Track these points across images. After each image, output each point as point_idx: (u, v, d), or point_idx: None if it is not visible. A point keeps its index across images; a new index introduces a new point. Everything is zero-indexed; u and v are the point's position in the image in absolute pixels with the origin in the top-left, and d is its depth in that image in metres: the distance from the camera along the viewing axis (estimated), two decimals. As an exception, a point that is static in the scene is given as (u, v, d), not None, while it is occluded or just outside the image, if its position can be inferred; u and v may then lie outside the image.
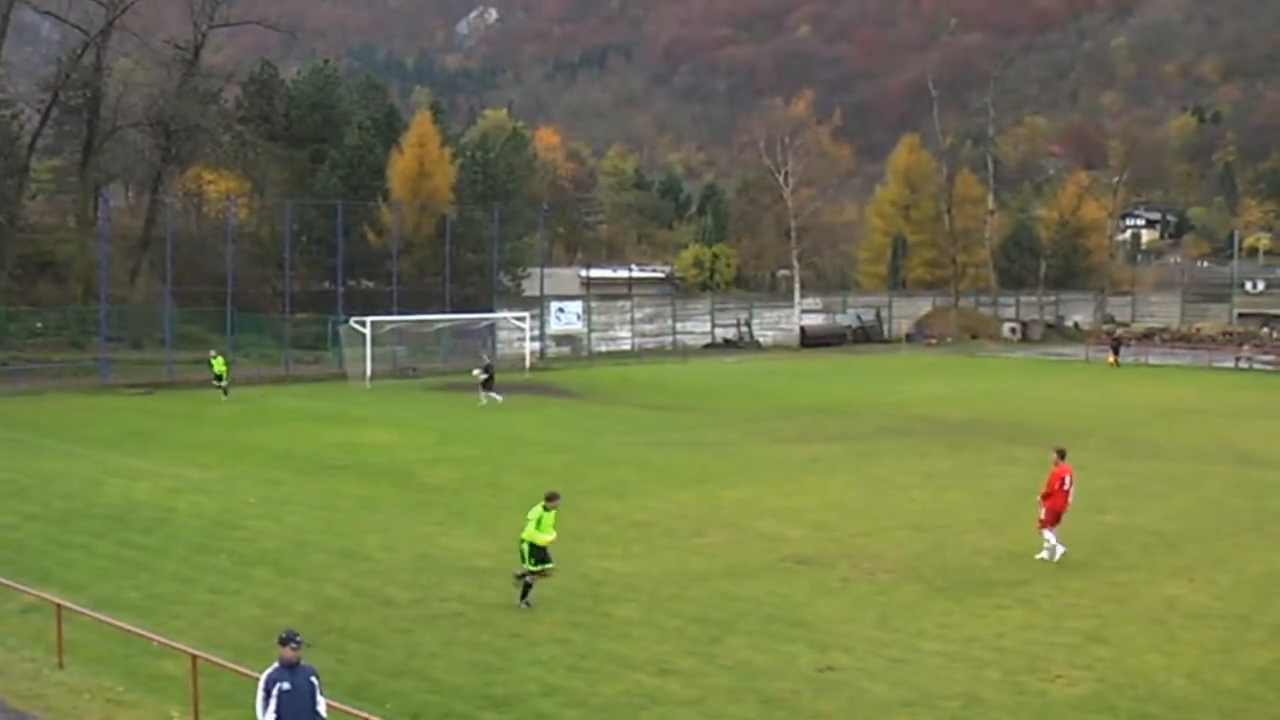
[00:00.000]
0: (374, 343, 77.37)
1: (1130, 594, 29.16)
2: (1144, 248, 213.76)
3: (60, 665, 23.47)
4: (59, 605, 24.01)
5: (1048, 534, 32.08)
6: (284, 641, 16.77)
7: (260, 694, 16.54)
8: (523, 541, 27.27)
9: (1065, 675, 23.53)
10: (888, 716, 21.41)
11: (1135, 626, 26.69)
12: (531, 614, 27.03)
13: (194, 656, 20.76)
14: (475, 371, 69.02)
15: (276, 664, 16.72)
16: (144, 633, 23.49)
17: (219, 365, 69.02)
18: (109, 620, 24.17)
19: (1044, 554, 32.01)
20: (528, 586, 27.38)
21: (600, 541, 33.97)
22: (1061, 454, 33.11)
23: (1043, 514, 32.39)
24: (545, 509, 27.12)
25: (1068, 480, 32.42)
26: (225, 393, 68.08)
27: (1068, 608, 27.99)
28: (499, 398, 66.24)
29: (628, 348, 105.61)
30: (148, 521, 36.25)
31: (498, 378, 68.04)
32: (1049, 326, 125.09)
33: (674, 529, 35.69)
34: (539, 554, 27.25)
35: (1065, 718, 21.58)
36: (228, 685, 21.46)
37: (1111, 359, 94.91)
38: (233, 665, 21.18)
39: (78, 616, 24.29)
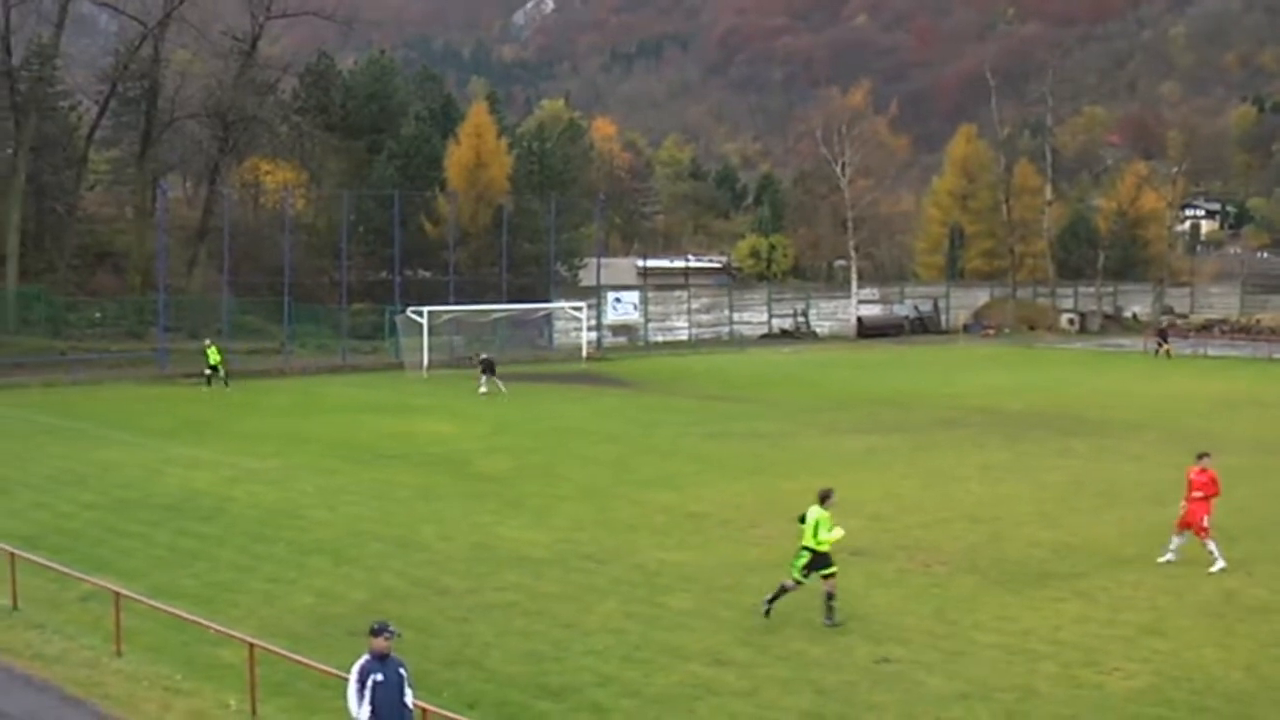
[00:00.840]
0: (430, 332, 77.49)
1: (1187, 587, 28.88)
2: (1203, 239, 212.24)
3: (118, 653, 23.56)
4: (117, 593, 24.12)
5: (1209, 544, 30.67)
6: (377, 632, 16.76)
7: (354, 685, 16.49)
8: (804, 550, 25.82)
9: (1122, 668, 23.33)
10: (944, 709, 21.28)
11: (1192, 620, 26.44)
12: (586, 604, 27.00)
13: (251, 645, 20.86)
14: (482, 355, 70.13)
15: (368, 655, 16.69)
16: (201, 621, 23.55)
17: (214, 355, 69.44)
18: (167, 608, 24.27)
19: (1217, 565, 30.58)
20: (783, 591, 26.09)
21: (656, 532, 33.92)
22: (1202, 456, 31.79)
23: (1200, 521, 30.95)
24: (823, 509, 25.82)
25: (1202, 482, 31.10)
26: (226, 383, 69.08)
27: (1124, 601, 27.76)
28: (501, 387, 66.71)
29: (684, 338, 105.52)
30: (205, 510, 36.43)
31: (554, 368, 68.30)
32: (1107, 317, 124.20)
33: (730, 520, 35.59)
34: (820, 561, 25.78)
35: (1122, 711, 21.39)
36: (284, 674, 21.57)
37: (1163, 349, 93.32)
38: (290, 654, 21.28)
39: (136, 604, 24.41)
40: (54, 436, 51.12)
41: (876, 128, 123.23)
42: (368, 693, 16.47)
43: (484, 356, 69.98)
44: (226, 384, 68.89)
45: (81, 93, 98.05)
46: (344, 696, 17.01)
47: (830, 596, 25.79)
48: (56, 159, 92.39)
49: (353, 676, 16.57)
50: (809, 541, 25.72)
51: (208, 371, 69.17)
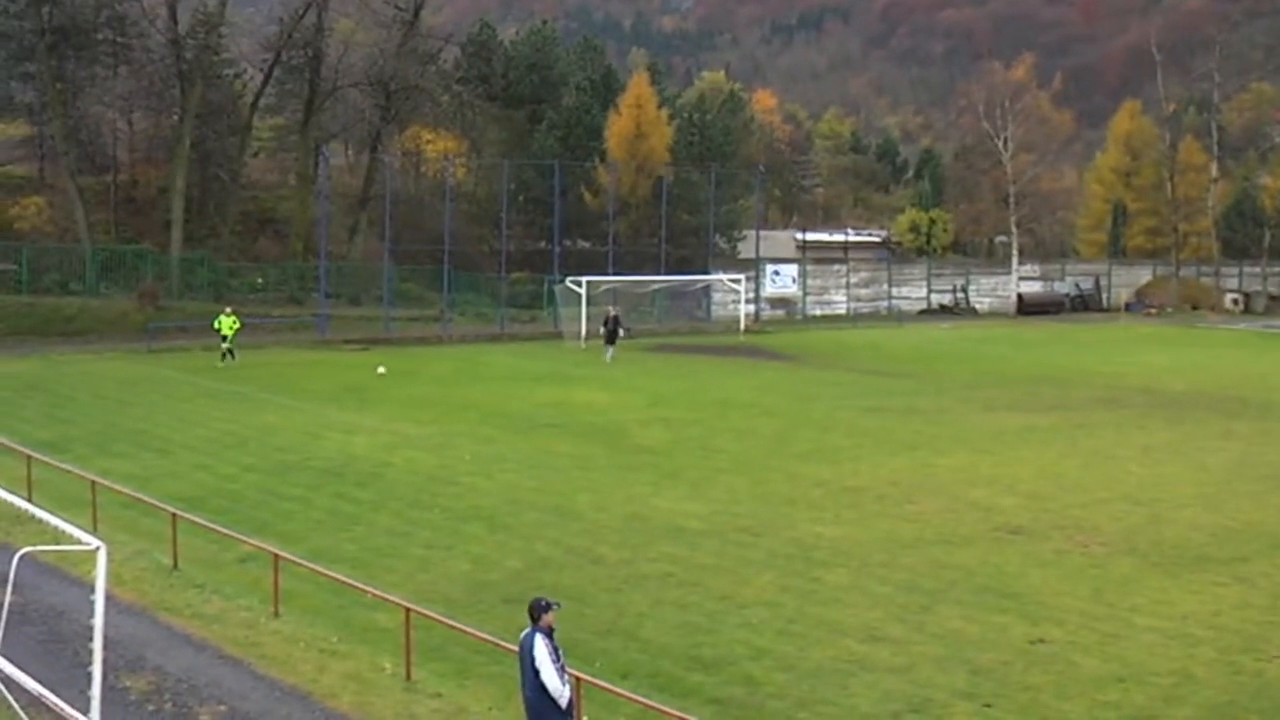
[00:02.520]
0: (589, 303, 77.66)
1: (1355, 573, 28.25)
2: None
3: (276, 614, 23.79)
4: (276, 555, 24.34)
5: None
6: (547, 607, 16.68)
7: (554, 664, 16.25)
8: None
9: (1284, 656, 22.83)
10: (1099, 691, 20.88)
11: (1361, 607, 25.83)
12: (741, 577, 26.85)
13: (407, 610, 20.94)
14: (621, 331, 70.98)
15: (542, 631, 16.50)
16: (358, 585, 23.69)
17: (226, 325, 64.72)
18: (325, 571, 24.46)
19: None
20: None
21: (812, 506, 33.68)
22: None
23: None
24: None
25: None
26: (233, 355, 64.33)
27: (1288, 587, 27.21)
28: (609, 355, 67.83)
29: (842, 312, 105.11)
30: (363, 476, 36.70)
31: (712, 340, 68.38)
32: (1273, 298, 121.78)
33: (886, 495, 35.27)
34: None
35: (1283, 699, 20.95)
36: (439, 639, 21.64)
37: None
38: (445, 619, 21.33)
39: (294, 567, 24.61)
40: (215, 400, 51.82)
41: (1039, 102, 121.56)
42: (565, 673, 16.42)
43: (613, 313, 70.31)
44: (233, 357, 64.16)
45: (246, 61, 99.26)
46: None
47: None
48: (221, 126, 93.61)
49: (546, 654, 16.26)
50: None
51: (224, 346, 64.37)
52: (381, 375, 52.08)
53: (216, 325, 65.08)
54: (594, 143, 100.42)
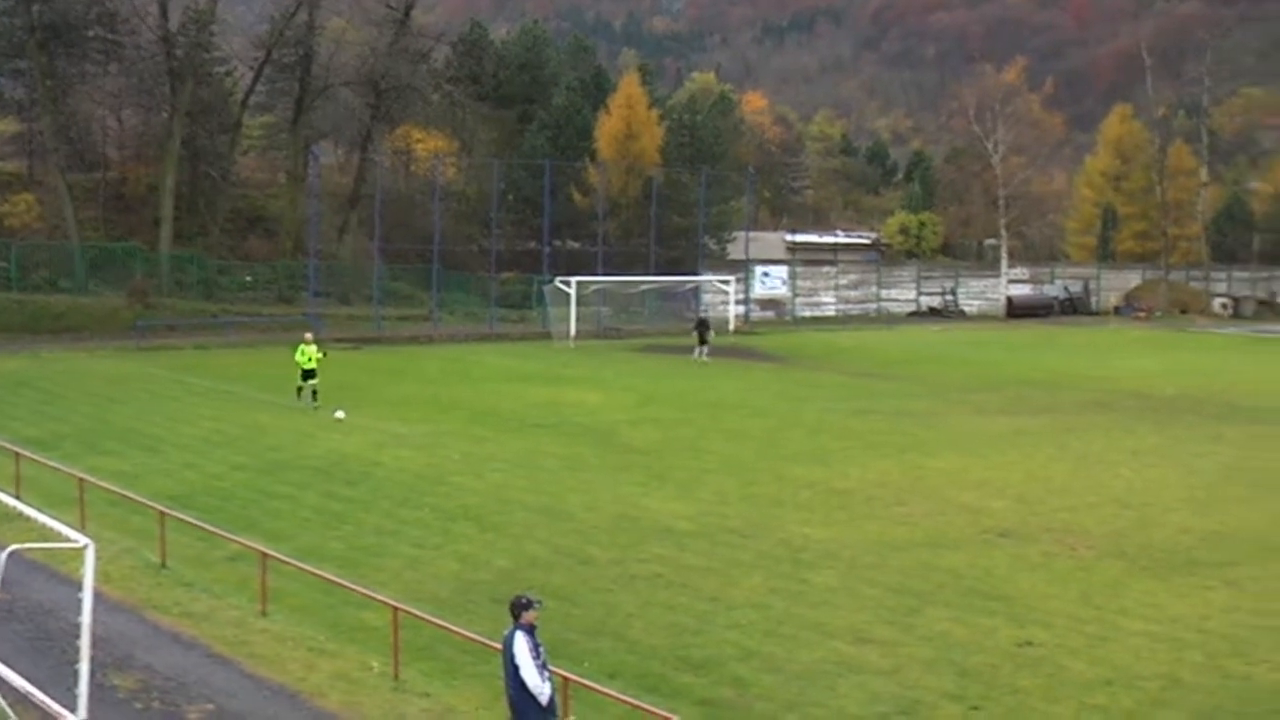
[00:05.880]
0: (579, 303, 77.69)
1: (1344, 578, 28.29)
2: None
3: (264, 613, 23.77)
4: (264, 554, 24.35)
5: None
6: (529, 605, 16.69)
7: (533, 661, 16.24)
8: None
9: (1270, 660, 22.77)
10: (1087, 694, 20.90)
11: (1348, 612, 25.85)
12: (730, 578, 26.85)
13: (395, 609, 20.95)
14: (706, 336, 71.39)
15: (523, 628, 16.52)
16: (347, 583, 23.66)
17: (308, 357, 49.90)
18: (313, 570, 24.43)
19: None
20: None
21: (801, 508, 33.67)
22: None
23: None
24: None
25: None
26: (314, 395, 49.64)
27: (1275, 591, 27.10)
28: (703, 356, 67.20)
29: (832, 313, 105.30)
30: (353, 474, 36.67)
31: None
32: (1262, 303, 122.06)
33: (875, 497, 35.27)
34: None
35: (1269, 704, 20.93)
36: (427, 638, 21.63)
37: None
38: (433, 619, 21.32)
39: (282, 566, 24.59)
40: (205, 398, 51.81)
41: (1030, 105, 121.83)
42: (545, 670, 16.41)
43: (701, 315, 70.87)
44: (315, 398, 49.64)
45: (237, 59, 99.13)
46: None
47: None
48: (211, 124, 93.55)
49: (526, 651, 16.25)
50: None
51: (309, 384, 50.08)
52: (340, 420, 46.42)
53: (298, 357, 50.28)
54: (584, 143, 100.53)
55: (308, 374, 49.66)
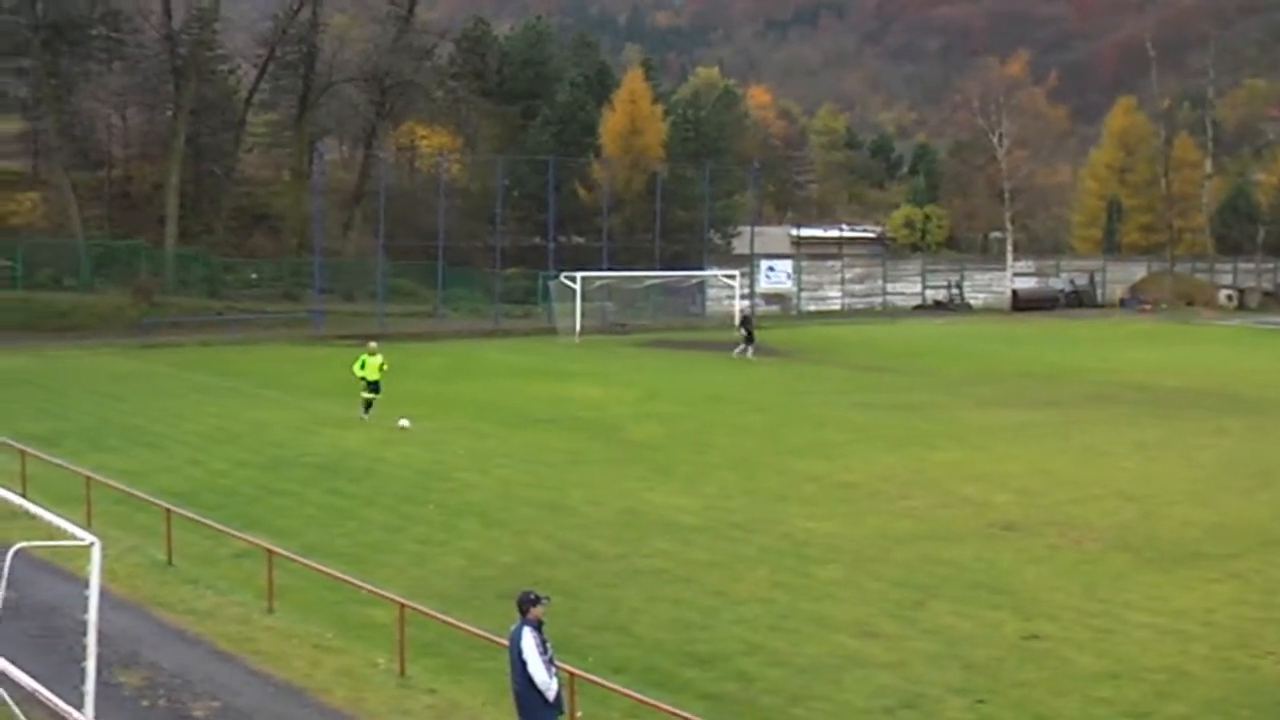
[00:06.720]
0: (583, 298, 77.70)
1: (1348, 569, 28.27)
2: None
3: (270, 610, 23.79)
4: (270, 551, 24.39)
5: None
6: (536, 601, 16.63)
7: (541, 657, 16.21)
8: None
9: (1276, 652, 22.77)
10: (1093, 687, 20.89)
11: (1353, 603, 25.84)
12: (734, 572, 26.85)
13: (401, 605, 20.98)
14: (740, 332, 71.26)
15: (530, 624, 16.45)
16: (352, 580, 23.65)
17: (373, 369, 46.33)
18: (318, 567, 24.44)
19: None
20: None
21: (805, 502, 33.69)
22: None
23: None
24: None
25: None
26: (369, 408, 46.01)
27: (1280, 583, 27.25)
28: (749, 354, 67.45)
29: (837, 307, 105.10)
30: (357, 471, 36.69)
31: (706, 335, 68.78)
32: (1267, 294, 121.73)
33: (879, 491, 35.28)
34: None
35: (1275, 695, 20.91)
36: (433, 634, 21.63)
37: None
38: (439, 615, 21.33)
39: (288, 562, 24.61)
40: (209, 395, 51.83)
41: (1034, 98, 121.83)
42: (552, 666, 16.40)
43: (747, 312, 70.89)
44: (368, 410, 46.04)
45: (240, 56, 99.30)
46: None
47: None
48: (215, 122, 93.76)
49: (533, 647, 16.20)
50: None
51: (370, 396, 46.44)
52: (405, 429, 43.56)
53: (360, 368, 46.65)
54: (588, 138, 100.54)
55: (372, 385, 46.24)
